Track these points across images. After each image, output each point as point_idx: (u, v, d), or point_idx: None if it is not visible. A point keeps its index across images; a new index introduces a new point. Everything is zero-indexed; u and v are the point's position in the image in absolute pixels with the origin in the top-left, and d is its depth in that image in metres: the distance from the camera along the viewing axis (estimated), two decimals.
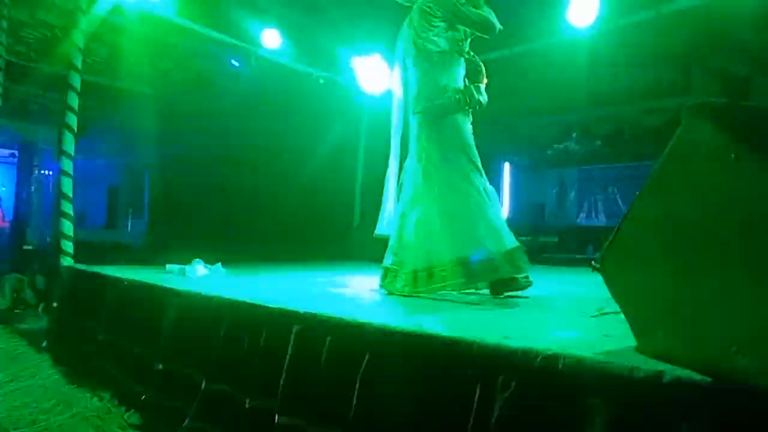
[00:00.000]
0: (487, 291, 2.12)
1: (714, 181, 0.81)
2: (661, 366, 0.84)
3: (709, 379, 0.79)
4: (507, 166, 7.40)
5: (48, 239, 5.97)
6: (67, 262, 3.17)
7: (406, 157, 2.35)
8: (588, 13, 3.87)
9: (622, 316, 1.05)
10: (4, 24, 4.01)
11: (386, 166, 2.45)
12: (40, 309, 4.08)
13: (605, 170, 6.64)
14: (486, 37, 2.26)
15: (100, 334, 2.46)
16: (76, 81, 3.32)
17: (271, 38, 4.68)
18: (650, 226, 0.96)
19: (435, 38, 2.22)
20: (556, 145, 6.87)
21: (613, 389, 0.88)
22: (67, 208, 3.25)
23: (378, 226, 2.40)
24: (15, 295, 4.30)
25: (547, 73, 4.69)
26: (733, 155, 0.78)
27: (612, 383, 0.87)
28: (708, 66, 4.48)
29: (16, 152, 7.81)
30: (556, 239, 6.49)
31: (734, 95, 4.23)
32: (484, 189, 2.16)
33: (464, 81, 2.31)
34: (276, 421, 1.41)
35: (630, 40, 4.18)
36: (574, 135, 6.77)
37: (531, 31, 4.18)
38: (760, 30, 3.69)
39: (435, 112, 2.22)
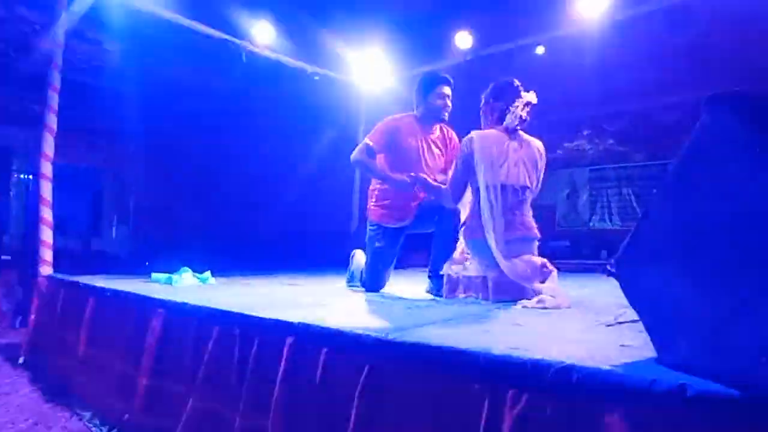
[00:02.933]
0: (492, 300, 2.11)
1: (739, 177, 0.80)
2: (684, 379, 0.82)
3: (736, 393, 0.77)
4: None
5: (27, 248, 5.96)
6: (46, 271, 3.16)
7: None
8: (598, 3, 3.88)
9: (640, 324, 1.03)
10: None
11: None
12: (17, 322, 4.06)
13: (619, 170, 6.62)
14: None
15: (81, 349, 2.44)
16: (57, 80, 3.33)
17: (263, 32, 4.66)
18: (670, 228, 0.94)
19: None
20: (566, 144, 6.87)
21: (631, 404, 0.86)
22: (47, 213, 3.24)
23: None
24: None
25: (556, 68, 4.69)
26: (758, 148, 0.77)
27: (631, 398, 0.86)
28: (726, 57, 4.48)
29: None
30: (567, 243, 6.47)
31: (755, 88, 4.22)
32: None
33: None
34: None
35: (643, 30, 4.19)
36: (585, 133, 6.78)
37: (538, 22, 4.19)
38: None
39: None
